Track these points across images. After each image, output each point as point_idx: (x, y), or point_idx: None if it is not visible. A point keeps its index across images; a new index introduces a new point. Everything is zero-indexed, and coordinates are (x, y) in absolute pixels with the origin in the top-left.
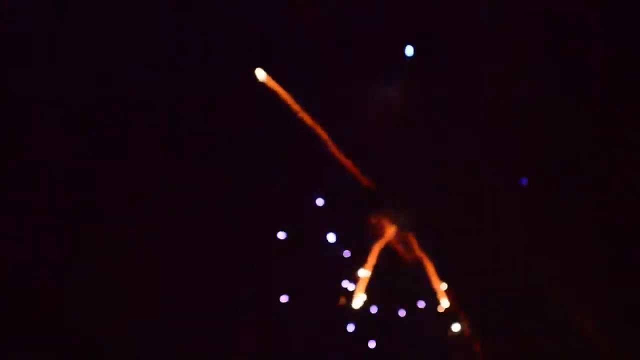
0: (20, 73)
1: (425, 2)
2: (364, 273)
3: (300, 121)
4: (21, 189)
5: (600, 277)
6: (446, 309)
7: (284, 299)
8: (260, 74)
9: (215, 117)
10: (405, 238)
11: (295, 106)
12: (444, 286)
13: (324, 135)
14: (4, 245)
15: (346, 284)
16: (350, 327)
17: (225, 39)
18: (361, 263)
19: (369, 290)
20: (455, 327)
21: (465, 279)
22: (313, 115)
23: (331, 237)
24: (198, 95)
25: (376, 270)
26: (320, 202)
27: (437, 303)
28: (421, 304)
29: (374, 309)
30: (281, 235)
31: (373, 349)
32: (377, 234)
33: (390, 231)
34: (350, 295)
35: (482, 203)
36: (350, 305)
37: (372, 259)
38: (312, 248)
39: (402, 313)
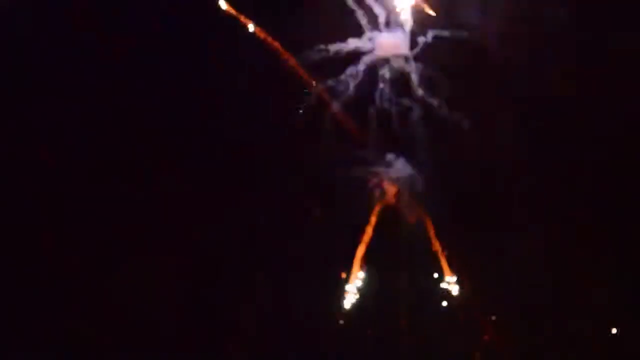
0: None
1: None
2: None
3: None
4: (21, 189)
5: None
6: (445, 272)
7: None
8: (223, 4)
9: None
10: (406, 198)
11: (265, 37)
12: (443, 248)
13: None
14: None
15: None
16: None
17: None
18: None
19: (369, 257)
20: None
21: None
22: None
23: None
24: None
25: (377, 231)
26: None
27: (438, 266)
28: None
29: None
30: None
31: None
32: (379, 195)
33: (391, 191)
34: (349, 270)
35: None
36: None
37: (373, 219)
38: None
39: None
